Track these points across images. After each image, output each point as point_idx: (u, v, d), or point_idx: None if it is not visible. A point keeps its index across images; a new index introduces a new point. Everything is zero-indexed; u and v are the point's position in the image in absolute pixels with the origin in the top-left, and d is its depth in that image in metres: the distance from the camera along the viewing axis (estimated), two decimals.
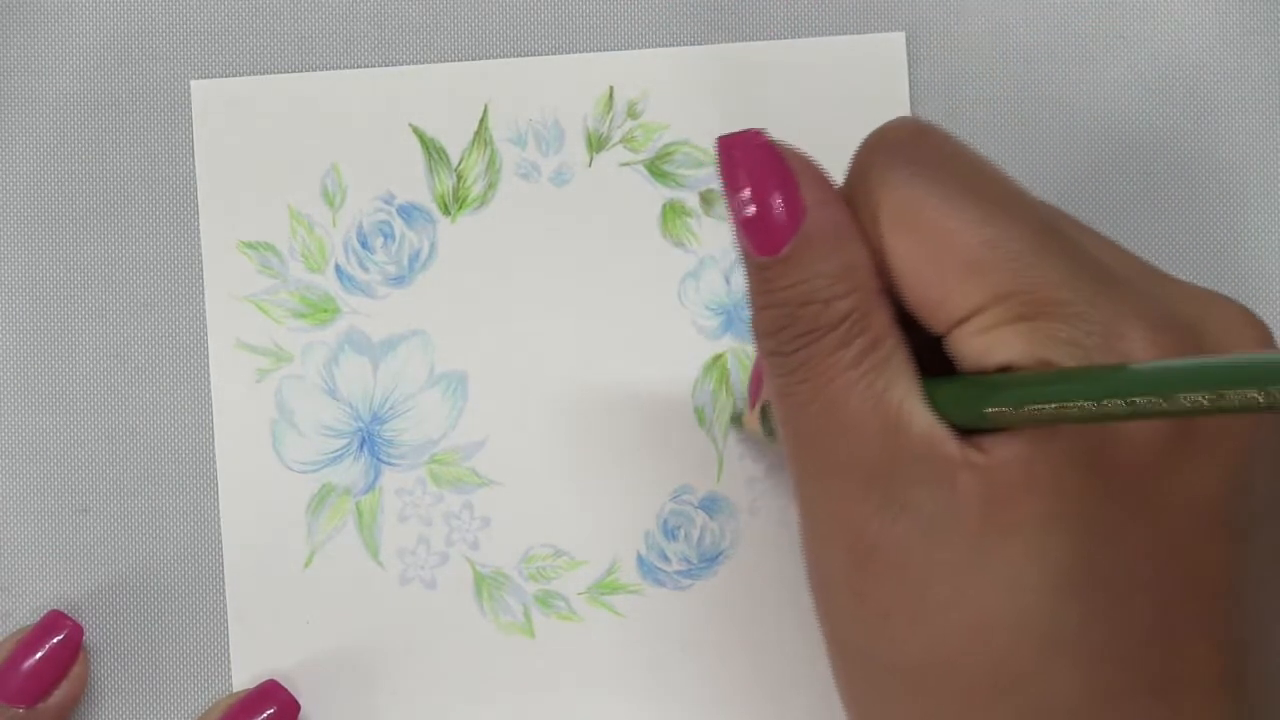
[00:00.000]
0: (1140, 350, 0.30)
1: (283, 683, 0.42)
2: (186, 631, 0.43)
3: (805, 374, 0.32)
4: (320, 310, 0.43)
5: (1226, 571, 0.31)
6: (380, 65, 0.43)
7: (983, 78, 0.44)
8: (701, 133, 0.43)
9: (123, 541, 0.43)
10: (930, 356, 0.32)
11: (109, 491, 0.43)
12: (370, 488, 0.43)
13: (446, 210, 0.43)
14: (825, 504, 0.32)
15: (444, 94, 0.43)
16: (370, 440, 0.43)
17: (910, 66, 0.44)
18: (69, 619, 0.41)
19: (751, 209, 0.32)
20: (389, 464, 0.43)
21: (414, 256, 0.43)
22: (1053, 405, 0.29)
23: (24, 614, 0.43)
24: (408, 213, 0.43)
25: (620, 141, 0.44)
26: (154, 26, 0.43)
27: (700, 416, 0.43)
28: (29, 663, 0.41)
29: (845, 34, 0.44)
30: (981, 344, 0.31)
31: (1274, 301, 0.44)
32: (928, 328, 0.32)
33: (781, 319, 0.32)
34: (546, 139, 0.44)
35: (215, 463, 0.43)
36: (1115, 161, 0.44)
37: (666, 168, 0.44)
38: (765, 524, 0.43)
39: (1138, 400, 0.27)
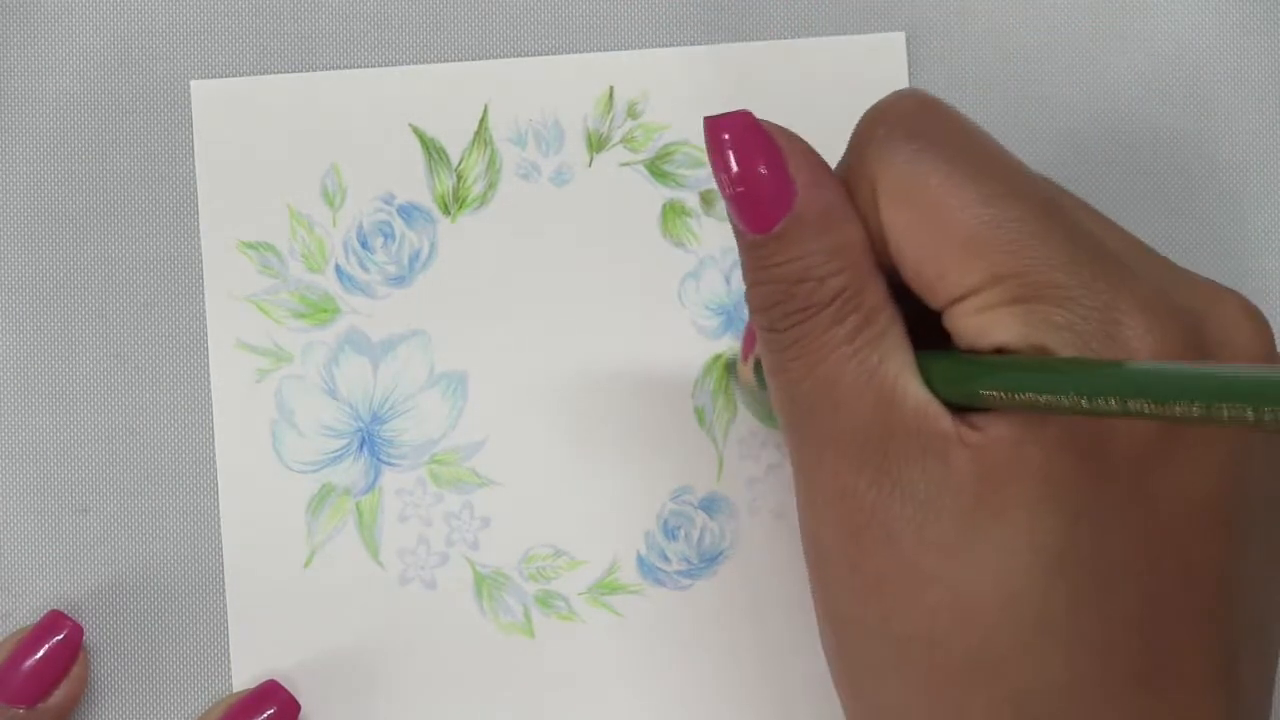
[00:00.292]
0: (1137, 338, 0.30)
1: (283, 683, 0.42)
2: (186, 631, 0.43)
3: (799, 350, 0.32)
4: (320, 310, 0.43)
5: (1220, 567, 0.31)
6: (380, 65, 0.43)
7: (983, 78, 0.44)
8: (701, 133, 0.43)
9: (123, 541, 0.43)
10: (926, 327, 0.32)
11: (109, 491, 0.43)
12: (370, 488, 0.43)
13: (446, 210, 0.43)
14: (821, 476, 0.32)
15: (444, 94, 0.43)
16: (370, 440, 0.43)
17: (910, 66, 0.44)
18: (69, 619, 0.41)
19: (741, 187, 0.32)
20: (389, 464, 0.43)
21: (414, 256, 0.43)
22: (1044, 396, 0.29)
23: (24, 614, 0.43)
24: (408, 213, 0.43)
25: (620, 141, 0.44)
26: (154, 26, 0.43)
27: (700, 416, 0.43)
28: (29, 663, 0.41)
29: (845, 34, 0.44)
30: (977, 324, 0.31)
31: (1274, 301, 0.44)
32: (925, 302, 0.32)
33: (775, 295, 0.32)
34: (546, 139, 0.44)
35: (215, 463, 0.43)
36: (1115, 161, 0.44)
37: (667, 168, 0.44)
38: (765, 524, 0.43)
39: (1130, 401, 0.27)
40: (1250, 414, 0.25)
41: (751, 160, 0.32)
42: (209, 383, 0.43)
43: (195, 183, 0.43)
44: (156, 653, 0.43)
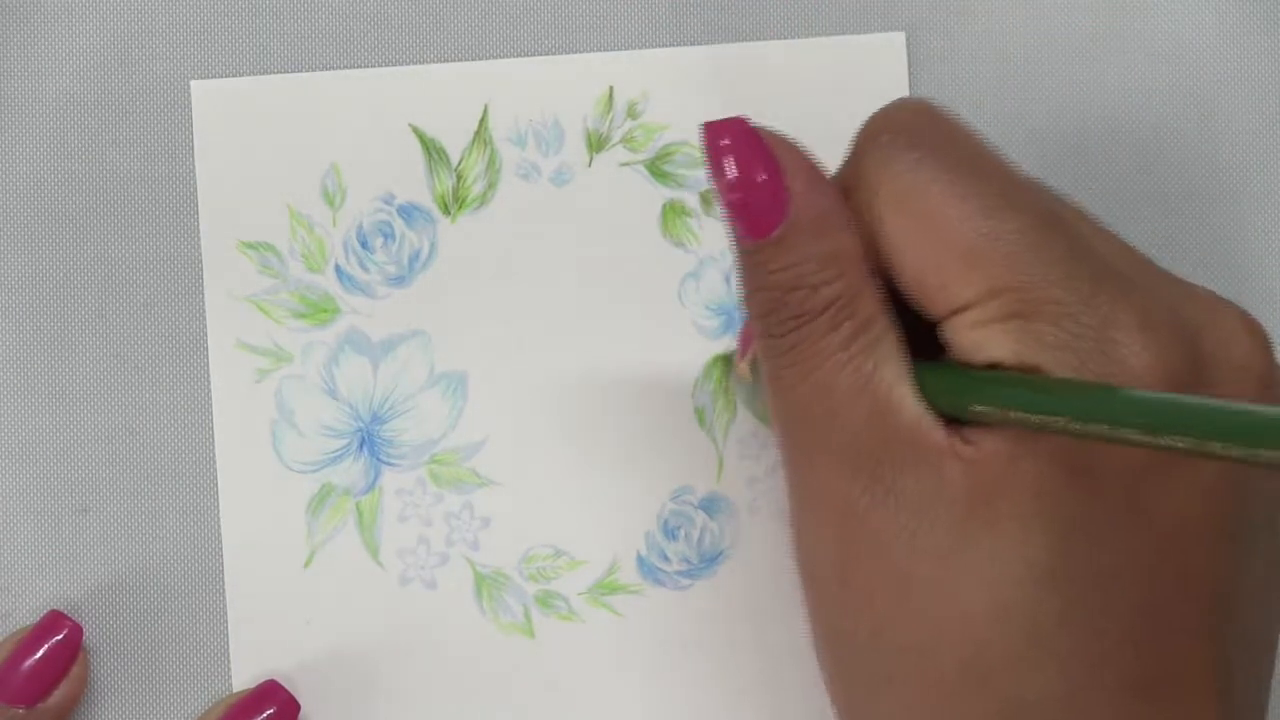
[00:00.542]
0: (1134, 355, 0.30)
1: (283, 683, 0.42)
2: (186, 631, 0.43)
3: (794, 357, 0.32)
4: (320, 310, 0.43)
5: (1217, 579, 0.31)
6: (380, 65, 0.43)
7: (983, 78, 0.44)
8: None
9: (123, 541, 0.43)
10: (922, 335, 0.32)
11: (109, 491, 0.43)
12: (370, 488, 0.43)
13: (446, 210, 0.43)
14: (814, 483, 0.32)
15: (444, 94, 0.43)
16: (370, 440, 0.43)
17: (910, 66, 0.44)
18: (69, 619, 0.41)
19: (738, 194, 0.32)
20: (389, 464, 0.43)
21: (414, 256, 0.43)
22: (1036, 416, 0.29)
23: (24, 614, 0.43)
24: (408, 213, 0.43)
25: (620, 142, 0.44)
26: (154, 26, 0.43)
27: (700, 416, 0.43)
28: (28, 663, 0.41)
29: (845, 34, 0.44)
30: (972, 339, 0.31)
31: (1274, 301, 0.44)
32: (922, 312, 0.32)
33: (771, 302, 0.32)
34: (546, 139, 0.44)
35: (215, 463, 0.43)
36: (1115, 161, 0.44)
37: (666, 168, 0.44)
38: (765, 524, 0.43)
39: (1121, 430, 0.27)
40: (1239, 452, 0.25)
41: (749, 167, 0.32)
42: (209, 383, 0.43)
43: (195, 183, 0.43)
44: (156, 653, 0.43)
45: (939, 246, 0.31)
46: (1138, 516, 0.31)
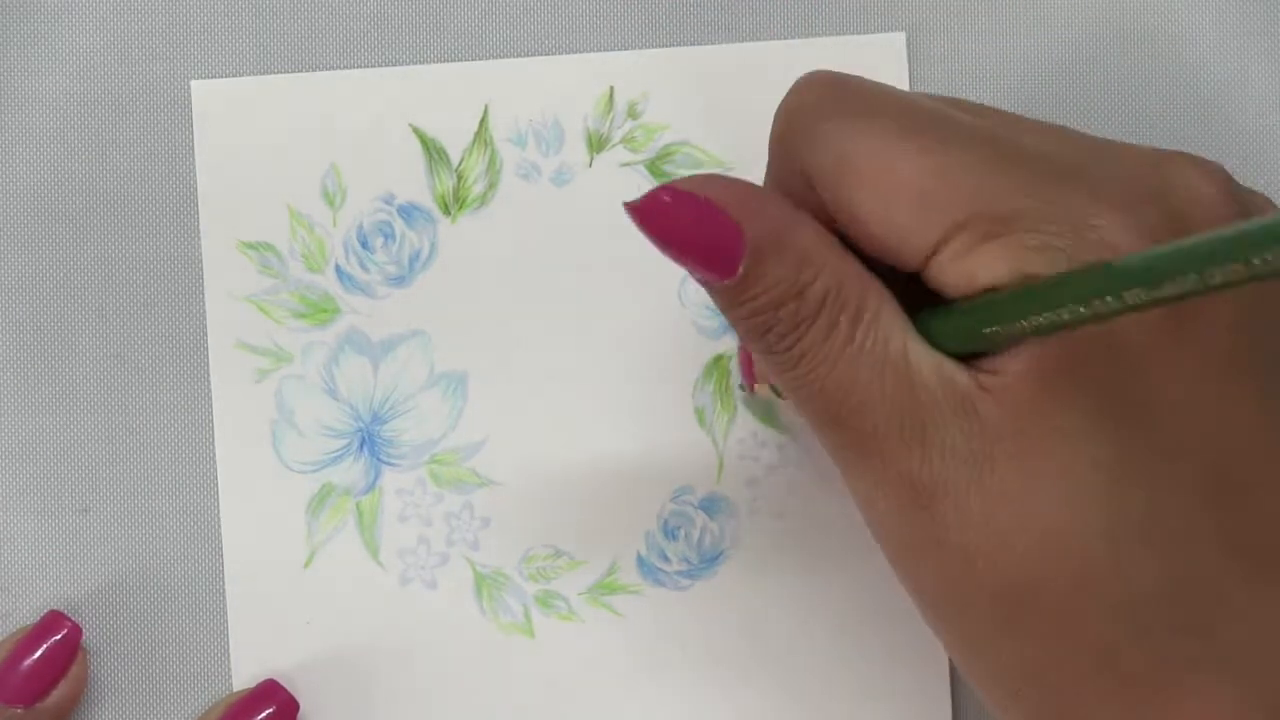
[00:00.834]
0: (1114, 235, 0.30)
1: (282, 683, 0.42)
2: (186, 631, 0.43)
3: (807, 365, 0.32)
4: (320, 310, 0.43)
5: (1267, 414, 0.31)
6: (380, 65, 0.43)
7: (983, 78, 0.44)
8: (702, 133, 0.43)
9: (123, 541, 0.43)
10: (915, 291, 0.32)
11: (109, 491, 0.43)
12: (370, 488, 0.43)
13: (447, 210, 0.43)
14: (871, 474, 0.32)
15: (444, 94, 0.43)
16: (370, 440, 0.43)
17: (910, 66, 0.44)
18: (68, 619, 0.41)
19: (692, 254, 0.32)
20: (389, 464, 0.43)
21: (414, 256, 0.43)
22: (1044, 315, 0.29)
23: (24, 614, 0.43)
24: (408, 213, 0.43)
25: (621, 142, 0.44)
26: (154, 26, 0.43)
27: (700, 417, 0.43)
28: (28, 663, 0.41)
29: (845, 34, 0.44)
30: (959, 271, 0.31)
31: None
32: (901, 268, 0.32)
33: (763, 325, 0.32)
34: (547, 139, 0.44)
35: (215, 463, 0.43)
36: None
37: (667, 168, 0.44)
38: (765, 524, 0.43)
39: (1125, 295, 0.28)
40: (1244, 269, 0.25)
41: (692, 231, 0.32)
42: (209, 383, 0.43)
43: (195, 183, 0.43)
44: (156, 653, 0.43)
45: (890, 200, 0.31)
46: (1172, 384, 0.31)
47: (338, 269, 0.43)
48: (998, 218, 0.31)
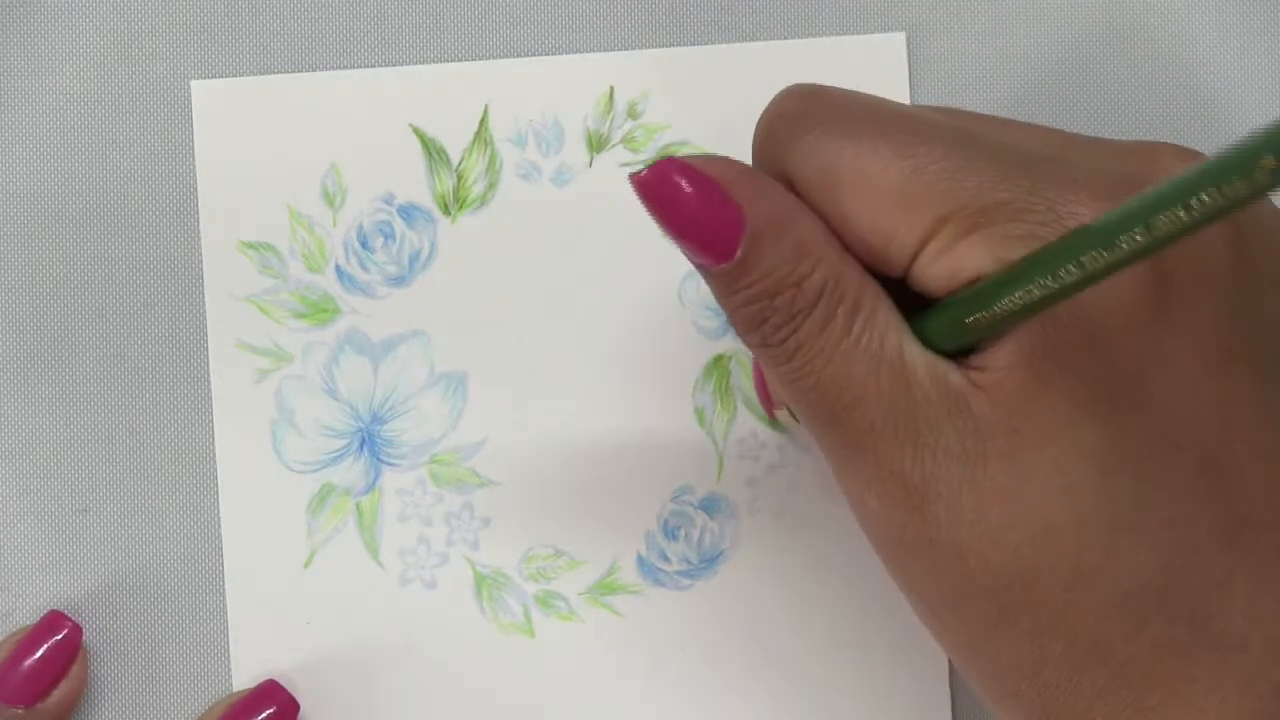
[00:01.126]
0: (1093, 219, 0.30)
1: (283, 683, 0.42)
2: (186, 631, 0.43)
3: (803, 358, 0.32)
4: (320, 310, 0.43)
5: (1257, 398, 0.31)
6: (380, 65, 0.43)
7: (983, 77, 0.44)
8: (702, 133, 0.43)
9: (123, 541, 0.43)
10: (909, 296, 0.32)
11: (109, 491, 0.43)
12: (370, 488, 0.43)
13: (447, 210, 0.43)
14: (865, 471, 0.32)
15: (444, 94, 0.43)
16: (370, 440, 0.43)
17: (910, 66, 0.44)
18: (68, 619, 0.41)
19: (689, 231, 0.32)
20: (389, 464, 0.43)
21: (414, 256, 0.43)
22: (1017, 294, 0.29)
23: (24, 614, 0.43)
24: (408, 213, 0.43)
25: (621, 142, 0.44)
26: (154, 26, 0.43)
27: (700, 416, 0.43)
28: (28, 663, 0.41)
29: (845, 34, 0.44)
30: (943, 268, 0.31)
31: None
32: (888, 274, 0.32)
33: (760, 313, 0.32)
34: (547, 139, 0.44)
35: (215, 463, 0.43)
36: None
37: None
38: (765, 524, 0.43)
39: (1084, 260, 0.28)
40: (1184, 214, 0.25)
41: (693, 204, 0.32)
42: (209, 383, 0.43)
43: (195, 183, 0.43)
44: (156, 653, 0.43)
45: (871, 205, 0.31)
46: (1159, 370, 0.31)
47: (338, 269, 0.43)
48: (979, 210, 0.31)
